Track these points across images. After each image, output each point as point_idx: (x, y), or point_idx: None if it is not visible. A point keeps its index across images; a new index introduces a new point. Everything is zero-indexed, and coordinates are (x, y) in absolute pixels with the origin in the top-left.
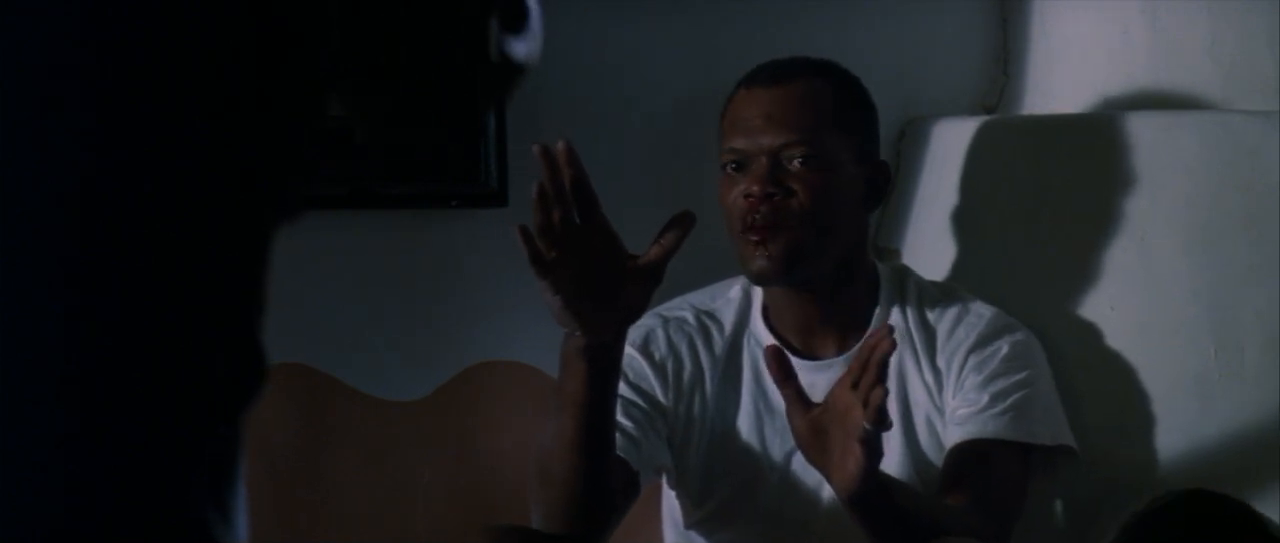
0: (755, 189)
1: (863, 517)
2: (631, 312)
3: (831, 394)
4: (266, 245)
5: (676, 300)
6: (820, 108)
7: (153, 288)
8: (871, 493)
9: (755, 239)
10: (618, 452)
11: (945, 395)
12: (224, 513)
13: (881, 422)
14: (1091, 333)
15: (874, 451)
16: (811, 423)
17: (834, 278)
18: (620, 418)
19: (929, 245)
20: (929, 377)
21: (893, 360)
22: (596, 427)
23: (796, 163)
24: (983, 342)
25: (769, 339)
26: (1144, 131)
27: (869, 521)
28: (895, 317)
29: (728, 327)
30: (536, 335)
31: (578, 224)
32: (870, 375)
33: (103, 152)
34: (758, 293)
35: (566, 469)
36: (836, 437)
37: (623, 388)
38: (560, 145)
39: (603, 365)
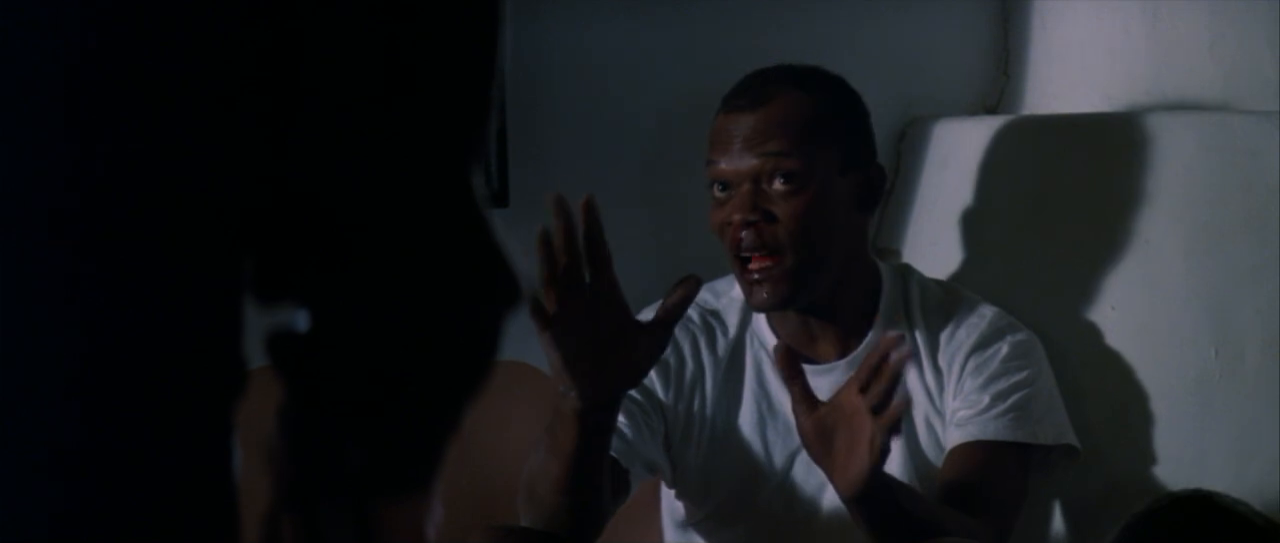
0: (736, 217)
1: (864, 515)
2: (632, 378)
3: (839, 396)
4: (255, 245)
5: None
6: (798, 125)
7: (142, 289)
8: (874, 493)
9: (751, 277)
10: (610, 451)
11: (946, 397)
12: (219, 514)
13: (895, 430)
14: (1092, 333)
15: (881, 455)
16: (817, 423)
17: (833, 287)
18: None
19: (929, 245)
20: (930, 378)
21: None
22: (586, 475)
23: (778, 183)
24: (983, 343)
25: (772, 341)
26: (1144, 131)
27: (870, 519)
28: (898, 319)
29: (731, 327)
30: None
31: (586, 281)
32: (881, 385)
33: (94, 157)
34: None
35: (553, 505)
36: (842, 438)
37: None
38: (584, 199)
39: (597, 426)
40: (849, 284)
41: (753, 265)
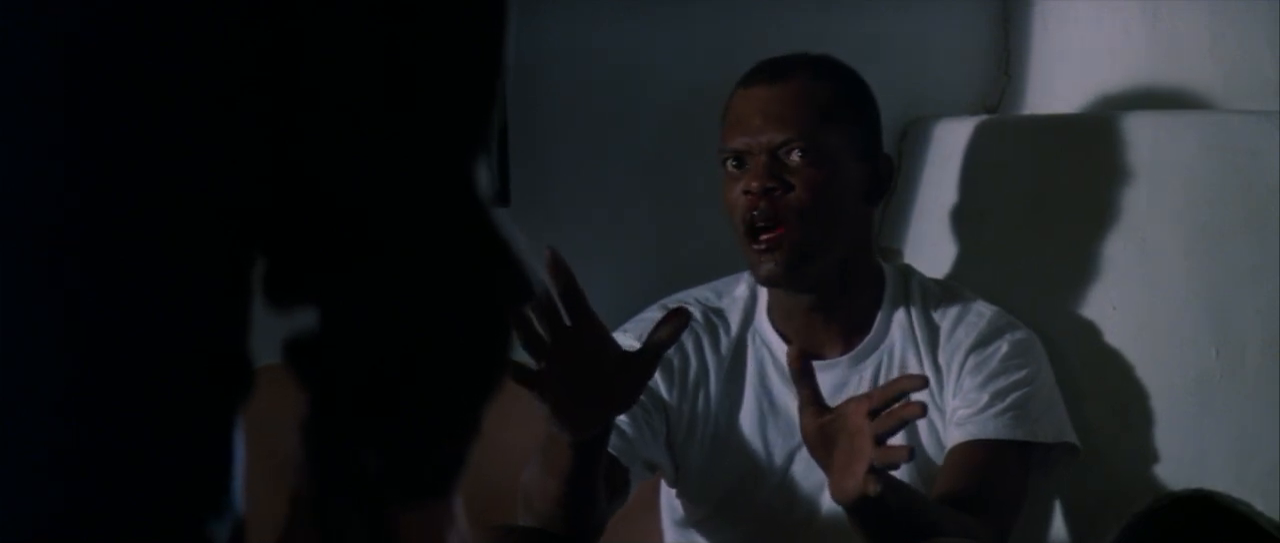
0: (754, 185)
1: (859, 520)
2: (620, 407)
3: (847, 409)
4: (255, 245)
5: (682, 295)
6: (818, 104)
7: (143, 288)
8: (869, 502)
9: (759, 247)
10: (609, 448)
11: (946, 396)
12: (221, 514)
13: (893, 464)
14: (1092, 333)
15: (875, 482)
16: (821, 427)
17: (838, 278)
18: None
19: (930, 245)
20: (930, 377)
21: (895, 361)
22: (582, 490)
23: (795, 157)
24: (983, 342)
25: (774, 339)
26: (1144, 131)
27: (865, 524)
28: (899, 317)
29: (734, 326)
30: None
31: (566, 327)
32: (891, 423)
33: (94, 156)
34: (763, 292)
35: (551, 516)
36: (842, 449)
37: None
38: (547, 252)
39: (589, 450)
40: (853, 279)
41: (763, 237)
